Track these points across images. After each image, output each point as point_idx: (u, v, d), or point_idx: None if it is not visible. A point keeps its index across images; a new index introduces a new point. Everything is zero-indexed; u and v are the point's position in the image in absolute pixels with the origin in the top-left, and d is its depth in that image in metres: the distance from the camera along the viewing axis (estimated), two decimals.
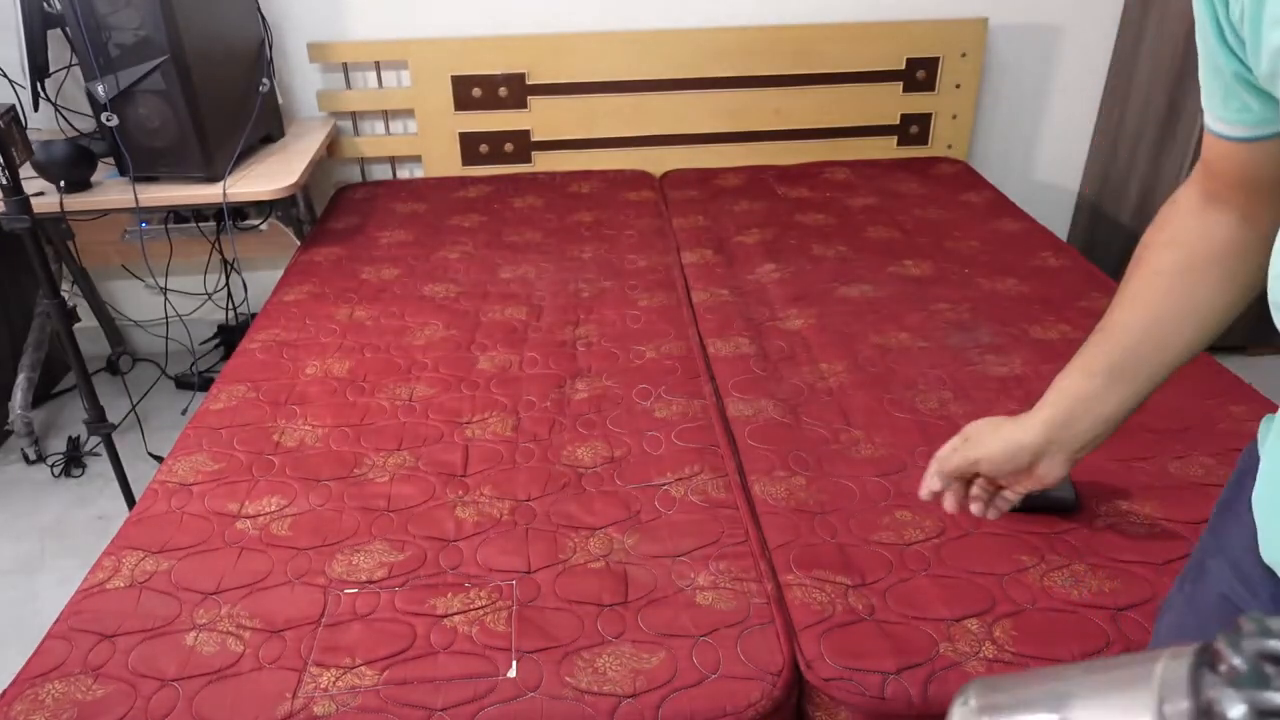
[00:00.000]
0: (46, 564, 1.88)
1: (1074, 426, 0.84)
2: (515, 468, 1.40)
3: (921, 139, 2.61)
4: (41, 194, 1.87)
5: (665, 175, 2.59)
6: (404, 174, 2.63)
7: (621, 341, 1.74)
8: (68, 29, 1.86)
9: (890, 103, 2.55)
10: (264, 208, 2.24)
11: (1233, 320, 0.75)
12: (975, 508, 0.97)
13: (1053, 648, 1.06)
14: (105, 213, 2.05)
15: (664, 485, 1.35)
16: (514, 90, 2.47)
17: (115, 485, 1.86)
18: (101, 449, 1.93)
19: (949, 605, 1.12)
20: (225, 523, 1.29)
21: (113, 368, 2.48)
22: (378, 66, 2.46)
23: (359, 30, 2.42)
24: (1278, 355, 2.51)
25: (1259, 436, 0.69)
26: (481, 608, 1.14)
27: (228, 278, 2.55)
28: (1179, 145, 2.38)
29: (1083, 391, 0.81)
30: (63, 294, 1.85)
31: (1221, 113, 0.64)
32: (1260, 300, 0.66)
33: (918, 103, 2.56)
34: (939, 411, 1.50)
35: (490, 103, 2.48)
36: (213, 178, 1.95)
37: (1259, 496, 0.63)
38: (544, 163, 2.59)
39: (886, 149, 2.61)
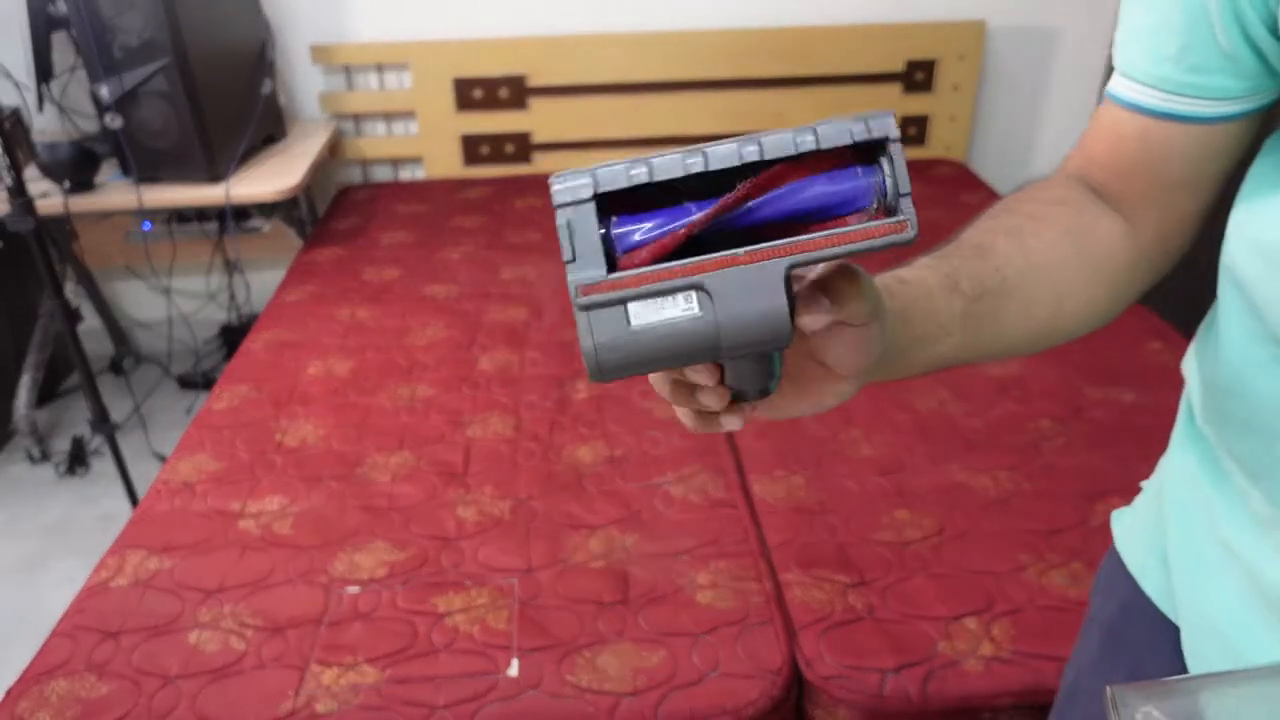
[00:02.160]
0: (50, 563, 1.89)
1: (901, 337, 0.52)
2: (516, 467, 1.40)
3: (920, 140, 2.61)
4: (46, 195, 1.88)
5: None
6: (405, 175, 2.64)
7: None
8: (73, 31, 1.87)
9: (889, 104, 2.55)
10: (266, 209, 2.25)
11: (1071, 338, 0.57)
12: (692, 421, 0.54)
13: (1051, 646, 1.07)
14: (109, 214, 2.06)
15: (664, 485, 1.36)
16: (515, 92, 2.48)
17: (119, 485, 1.87)
18: (105, 449, 1.94)
19: (948, 604, 1.13)
20: (228, 522, 1.30)
21: (116, 368, 2.49)
22: (379, 68, 2.47)
23: (361, 32, 2.43)
24: None
25: (1124, 556, 0.66)
26: (482, 606, 1.14)
27: (230, 278, 2.56)
28: None
29: (937, 307, 0.50)
30: (66, 295, 1.86)
31: (1177, 77, 0.50)
32: None
33: (916, 104, 2.56)
34: (938, 411, 1.51)
35: (491, 104, 2.49)
36: (215, 179, 1.96)
37: (1192, 650, 0.57)
38: (545, 164, 2.59)
39: None
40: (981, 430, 1.46)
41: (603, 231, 0.35)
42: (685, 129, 2.56)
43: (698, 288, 0.35)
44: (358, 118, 2.53)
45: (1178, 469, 0.60)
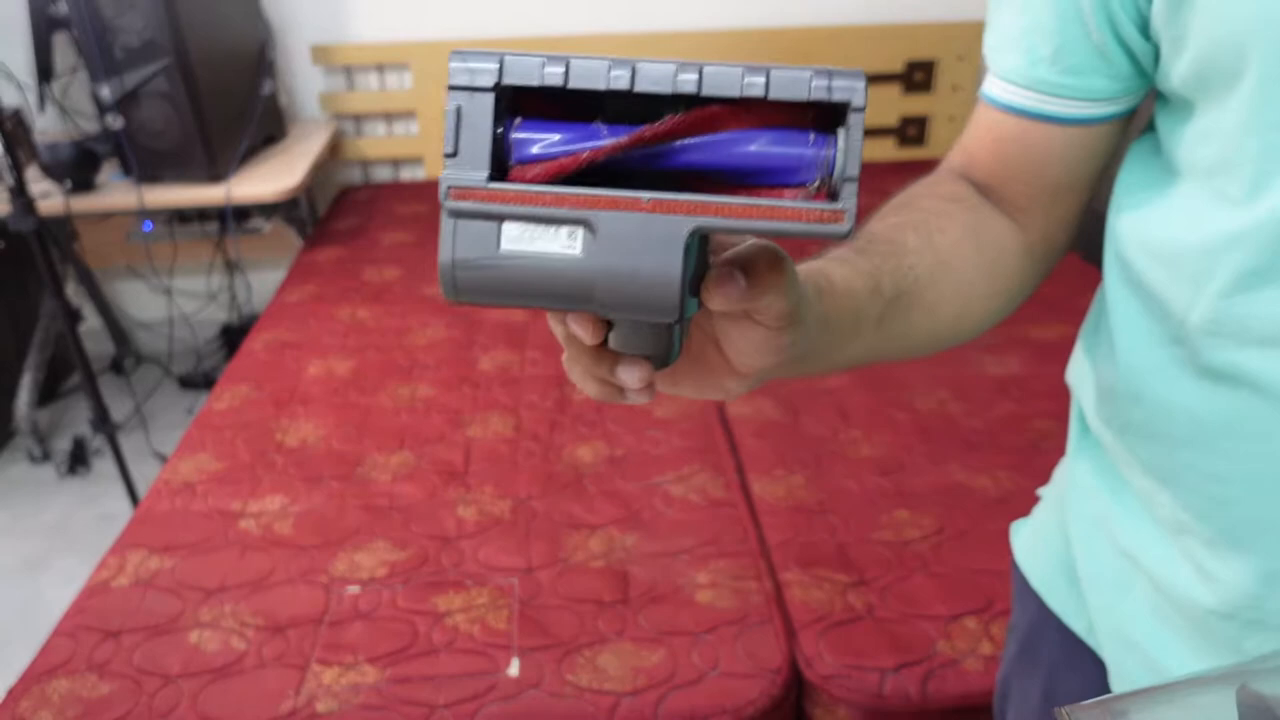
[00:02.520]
0: (51, 563, 1.89)
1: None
2: (516, 467, 1.40)
3: (920, 141, 2.61)
4: (47, 195, 1.88)
5: None
6: (406, 175, 2.64)
7: None
8: (74, 32, 1.87)
9: (889, 105, 2.56)
10: (267, 209, 2.25)
11: (968, 338, 0.55)
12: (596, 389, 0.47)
13: None
14: (110, 214, 2.06)
15: (664, 484, 1.36)
16: None
17: (120, 484, 1.87)
18: (106, 448, 1.94)
19: (947, 603, 1.13)
20: (228, 521, 1.30)
21: (117, 368, 2.49)
22: (380, 69, 2.47)
23: (361, 33, 2.43)
24: None
25: (1026, 572, 0.65)
26: (482, 606, 1.15)
27: (231, 278, 2.57)
28: None
29: (861, 312, 0.46)
30: (66, 295, 1.86)
31: (1053, 79, 0.49)
32: None
33: (916, 105, 2.56)
34: (938, 411, 1.51)
35: None
36: (216, 179, 1.96)
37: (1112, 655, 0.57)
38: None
39: (885, 151, 2.62)
40: (981, 430, 1.46)
41: (498, 131, 0.30)
42: None
43: (585, 224, 0.29)
44: (358, 118, 2.53)
45: (1075, 481, 0.59)
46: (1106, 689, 0.57)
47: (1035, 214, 0.54)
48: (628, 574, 1.19)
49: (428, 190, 2.50)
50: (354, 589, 1.18)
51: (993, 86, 0.53)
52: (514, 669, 1.06)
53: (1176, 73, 0.45)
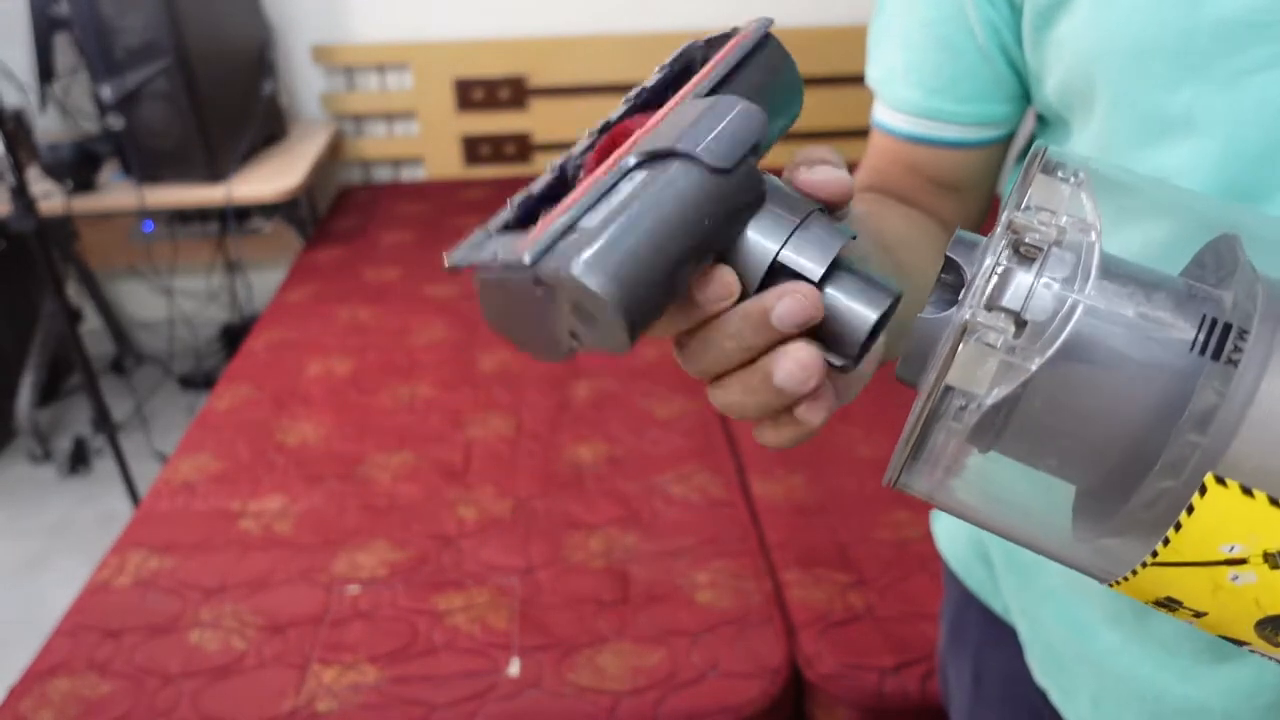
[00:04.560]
0: (52, 562, 1.89)
1: None
2: (516, 467, 1.41)
3: None
4: (48, 195, 1.88)
5: None
6: (406, 176, 2.64)
7: None
8: (74, 32, 1.87)
9: None
10: (268, 209, 2.25)
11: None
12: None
13: None
14: (111, 214, 2.06)
15: (664, 484, 1.36)
16: (515, 92, 2.48)
17: (120, 484, 1.87)
18: (107, 448, 1.94)
19: None
20: (229, 521, 1.30)
21: (118, 368, 2.49)
22: (380, 69, 2.47)
23: (361, 33, 2.44)
24: None
25: (945, 555, 0.67)
26: (483, 605, 1.15)
27: (232, 279, 2.57)
28: None
29: None
30: (67, 295, 1.86)
31: (950, 108, 0.51)
32: None
33: None
34: None
35: (491, 105, 2.49)
36: (216, 179, 1.96)
37: (1043, 670, 0.58)
38: (545, 164, 2.59)
39: None
40: None
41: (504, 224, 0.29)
42: None
43: (636, 164, 0.28)
44: (358, 118, 2.53)
45: None
46: (1025, 665, 0.59)
47: (949, 205, 0.56)
48: (628, 574, 1.19)
49: (428, 190, 2.50)
50: (354, 589, 1.18)
51: (887, 116, 0.55)
52: (514, 669, 1.06)
53: (1045, 96, 0.47)
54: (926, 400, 0.27)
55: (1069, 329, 0.26)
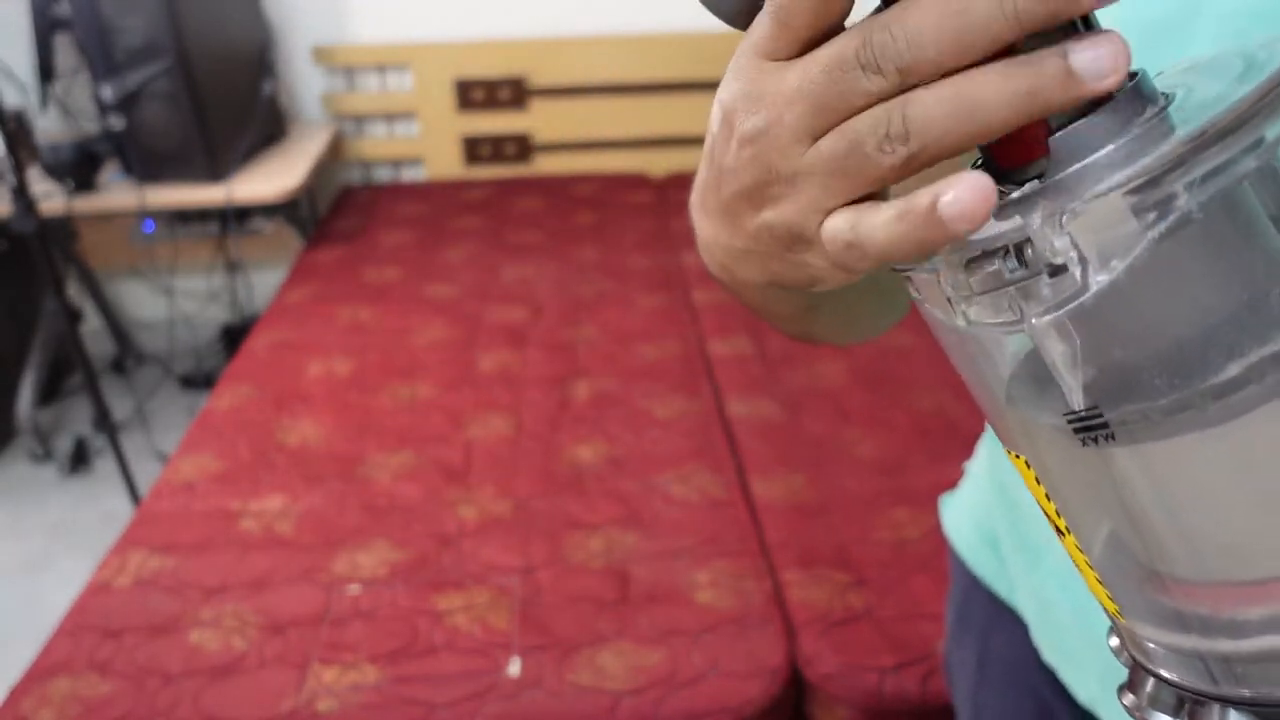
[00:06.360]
0: (53, 562, 1.90)
1: None
2: (516, 467, 1.41)
3: None
4: (49, 195, 1.88)
5: (666, 177, 2.60)
6: (406, 176, 2.64)
7: (622, 341, 1.75)
8: (75, 32, 1.87)
9: None
10: (268, 209, 2.25)
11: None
12: None
13: None
14: (111, 214, 2.07)
15: (664, 484, 1.36)
16: (515, 93, 2.48)
17: (121, 484, 1.87)
18: (107, 448, 1.94)
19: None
20: (229, 521, 1.30)
21: (118, 367, 2.49)
22: (380, 70, 2.48)
23: (362, 34, 2.44)
24: None
25: (953, 541, 0.67)
26: (483, 605, 1.15)
27: (232, 279, 2.57)
28: None
29: None
30: (68, 295, 1.87)
31: None
32: None
33: None
34: (938, 411, 1.51)
35: (491, 105, 2.50)
36: (217, 179, 1.96)
37: (1047, 644, 0.58)
38: (545, 165, 2.60)
39: None
40: (981, 429, 1.46)
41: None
42: (685, 129, 2.57)
43: None
44: (359, 118, 2.53)
45: (993, 452, 0.62)
46: (1032, 648, 0.59)
47: None
48: (628, 573, 1.20)
49: (428, 191, 2.50)
50: (354, 588, 1.18)
51: None
52: (514, 668, 1.06)
53: None
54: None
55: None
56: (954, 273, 0.23)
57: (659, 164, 2.61)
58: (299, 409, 1.56)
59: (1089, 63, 0.21)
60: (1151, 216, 0.21)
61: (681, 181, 2.54)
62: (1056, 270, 0.21)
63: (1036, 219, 0.21)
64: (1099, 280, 0.21)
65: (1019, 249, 0.22)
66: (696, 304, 1.90)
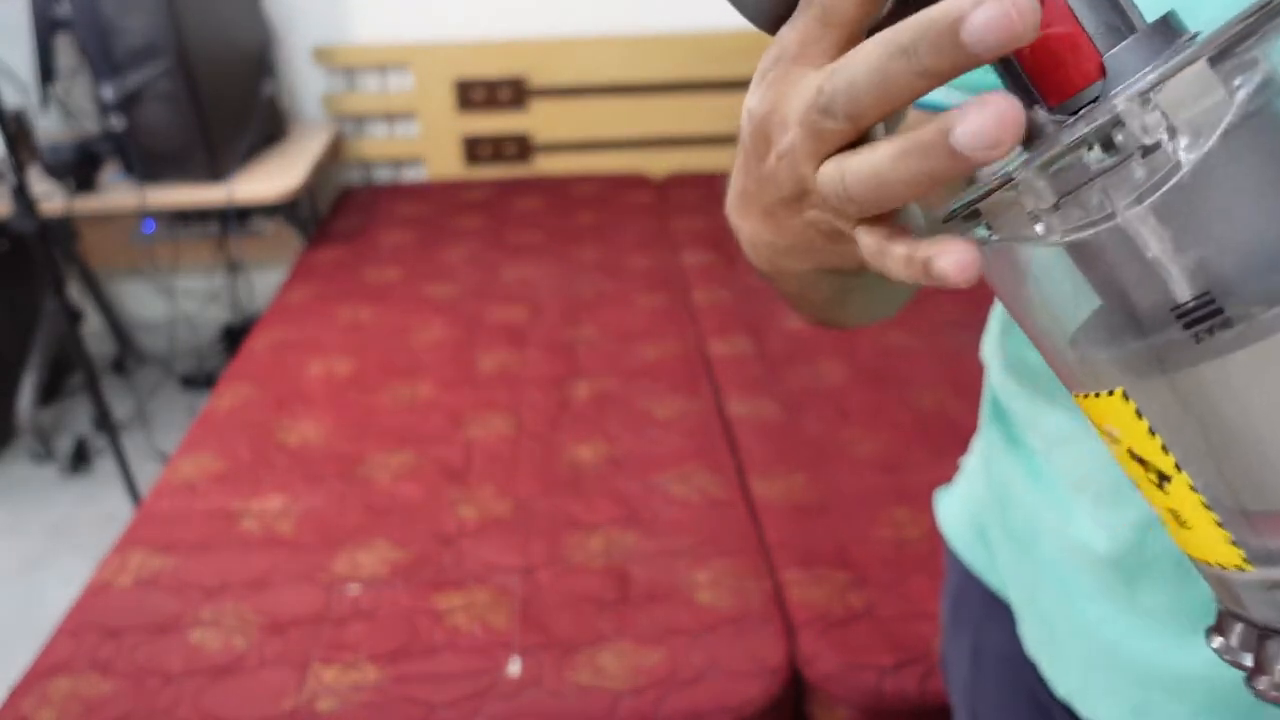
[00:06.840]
0: (53, 562, 1.90)
1: None
2: (516, 466, 1.41)
3: None
4: (49, 196, 1.89)
5: (666, 177, 2.60)
6: (406, 176, 2.64)
7: (622, 341, 1.76)
8: (76, 32, 1.87)
9: None
10: (269, 209, 2.25)
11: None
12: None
13: None
14: (112, 215, 2.07)
15: (664, 484, 1.36)
16: (515, 93, 2.48)
17: (121, 484, 1.88)
18: (108, 448, 1.95)
19: None
20: (230, 521, 1.30)
21: (119, 367, 2.49)
22: (381, 70, 2.48)
23: (362, 34, 2.44)
24: None
25: (947, 535, 0.68)
26: (483, 605, 1.15)
27: (233, 279, 2.57)
28: None
29: None
30: (68, 295, 1.87)
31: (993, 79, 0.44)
32: None
33: None
34: (938, 409, 1.51)
35: (492, 105, 2.50)
36: (217, 179, 1.97)
37: (1033, 638, 0.59)
38: (545, 165, 2.60)
39: None
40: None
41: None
42: (685, 129, 2.57)
43: None
44: (359, 119, 2.53)
45: (987, 448, 0.62)
46: (1019, 639, 0.60)
47: None
48: (627, 573, 1.20)
49: (428, 191, 2.50)
50: (355, 588, 1.18)
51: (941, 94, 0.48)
52: (514, 668, 1.06)
53: None
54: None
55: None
56: (1035, 180, 0.23)
57: (659, 164, 2.61)
58: (299, 409, 1.56)
59: (969, 138, 0.21)
60: (1237, 81, 0.20)
61: (681, 182, 2.54)
62: (1148, 151, 0.21)
63: (1120, 101, 0.21)
64: (1194, 155, 0.20)
65: (1106, 137, 0.21)
66: (696, 304, 1.90)
